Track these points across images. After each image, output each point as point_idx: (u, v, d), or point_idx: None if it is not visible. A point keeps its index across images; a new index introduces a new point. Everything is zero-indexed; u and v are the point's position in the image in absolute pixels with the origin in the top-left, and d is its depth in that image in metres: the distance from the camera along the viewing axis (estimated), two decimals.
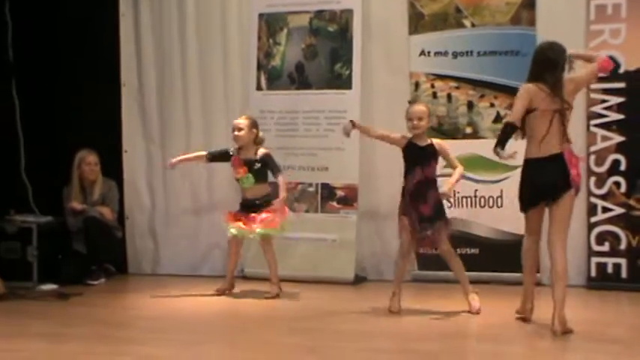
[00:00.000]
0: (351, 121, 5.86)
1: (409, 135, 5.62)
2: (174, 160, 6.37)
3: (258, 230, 6.06)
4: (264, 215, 6.08)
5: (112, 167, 7.32)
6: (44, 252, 6.93)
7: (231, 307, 5.98)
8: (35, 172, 7.57)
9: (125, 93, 7.44)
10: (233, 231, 6.12)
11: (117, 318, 5.74)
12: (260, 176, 6.20)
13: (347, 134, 5.83)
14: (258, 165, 6.17)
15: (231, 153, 6.27)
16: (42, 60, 7.49)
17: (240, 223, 6.11)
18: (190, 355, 4.65)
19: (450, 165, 5.71)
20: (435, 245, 5.64)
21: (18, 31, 7.60)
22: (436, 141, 5.68)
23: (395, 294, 5.57)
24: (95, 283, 6.87)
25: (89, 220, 6.91)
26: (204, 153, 6.43)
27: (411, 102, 5.76)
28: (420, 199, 5.51)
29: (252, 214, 6.11)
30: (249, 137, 6.19)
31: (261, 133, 6.31)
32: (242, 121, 6.23)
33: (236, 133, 6.19)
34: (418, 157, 5.57)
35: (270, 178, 6.25)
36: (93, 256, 6.97)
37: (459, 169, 5.60)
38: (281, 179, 6.11)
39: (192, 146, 7.20)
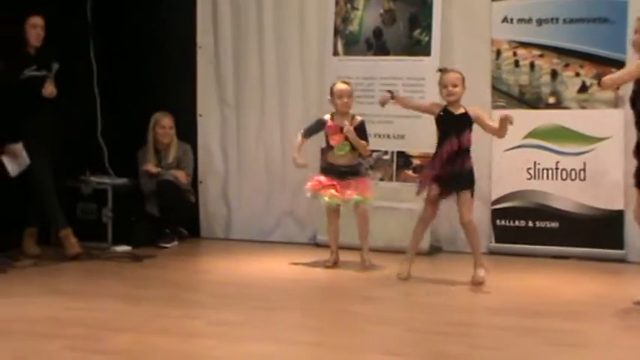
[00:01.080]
0: (389, 90, 5.86)
1: (443, 103, 5.58)
2: (298, 159, 6.10)
3: (355, 197, 5.96)
4: (356, 183, 6.00)
5: (187, 131, 7.37)
6: (119, 214, 7.04)
7: (304, 273, 6.00)
8: (111, 135, 7.67)
9: (201, 56, 7.46)
10: (326, 199, 6.00)
11: (189, 281, 5.82)
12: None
13: (383, 104, 5.82)
14: (354, 132, 6.05)
15: (325, 119, 6.17)
16: (119, 23, 7.55)
17: (333, 191, 6.00)
18: (261, 321, 4.67)
19: (489, 130, 5.63)
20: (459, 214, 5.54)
21: None
22: (471, 108, 5.59)
23: (406, 260, 5.61)
24: (168, 245, 6.95)
25: (163, 183, 6.99)
26: (300, 136, 6.15)
27: (442, 70, 5.70)
28: (454, 166, 5.49)
29: (344, 181, 6.02)
30: (351, 103, 6.10)
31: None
32: (349, 87, 6.11)
33: (345, 100, 6.06)
34: (452, 125, 5.53)
35: None
36: (166, 219, 7.05)
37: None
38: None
39: (267, 111, 7.22)
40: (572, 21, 6.50)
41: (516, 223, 6.59)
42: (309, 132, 6.19)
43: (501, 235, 6.63)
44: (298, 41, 7.23)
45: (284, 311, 4.95)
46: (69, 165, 7.05)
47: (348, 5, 7.07)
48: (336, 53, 7.07)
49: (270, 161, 7.33)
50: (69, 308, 4.85)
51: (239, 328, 4.49)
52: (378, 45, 6.95)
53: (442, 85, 5.57)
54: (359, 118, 6.13)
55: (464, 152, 5.53)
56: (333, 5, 7.09)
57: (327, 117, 6.18)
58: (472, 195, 5.55)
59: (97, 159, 7.61)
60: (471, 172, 5.55)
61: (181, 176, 7.12)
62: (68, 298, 5.14)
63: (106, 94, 7.70)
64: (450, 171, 5.51)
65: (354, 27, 7.04)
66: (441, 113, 5.59)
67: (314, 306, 5.10)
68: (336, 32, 7.08)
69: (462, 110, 5.55)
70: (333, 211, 6.13)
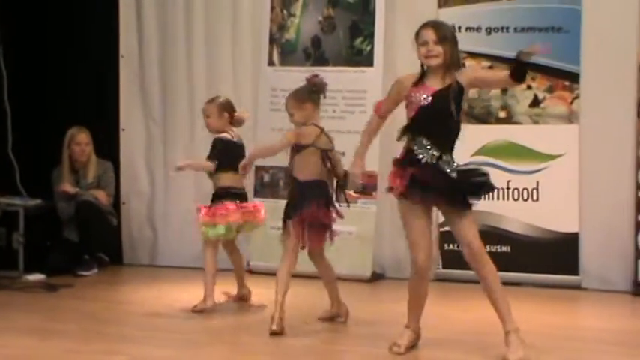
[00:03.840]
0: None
1: None
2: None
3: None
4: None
5: (109, 147, 7.31)
6: (31, 239, 6.90)
7: (233, 304, 5.93)
8: (23, 151, 7.54)
9: (124, 66, 7.43)
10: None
11: (110, 313, 5.72)
12: None
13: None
14: None
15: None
16: (32, 28, 7.46)
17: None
18: (189, 357, 4.59)
19: None
20: None
21: None
22: None
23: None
24: (87, 273, 6.87)
25: (82, 204, 6.91)
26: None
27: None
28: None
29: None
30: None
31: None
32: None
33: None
34: None
35: None
36: (85, 245, 6.97)
37: None
38: None
39: (196, 126, 7.14)
40: (523, 30, 6.55)
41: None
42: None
43: (449, 260, 6.61)
44: (230, 50, 7.25)
45: (212, 346, 4.87)
46: None
47: (285, 12, 7.10)
48: (271, 63, 7.09)
49: (200, 181, 7.22)
50: None
51: None
52: (316, 55, 6.97)
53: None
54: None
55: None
56: (268, 12, 7.11)
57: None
58: None
59: (8, 178, 7.45)
60: None
61: (102, 197, 7.06)
62: None
63: (17, 106, 7.58)
64: None
65: (290, 35, 7.07)
66: None
67: (244, 340, 5.04)
68: (272, 41, 7.10)
69: None
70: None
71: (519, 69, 4.41)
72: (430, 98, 4.41)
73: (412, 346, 4.55)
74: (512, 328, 4.40)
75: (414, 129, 4.46)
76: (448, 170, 4.42)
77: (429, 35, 4.44)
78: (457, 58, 4.51)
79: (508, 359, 4.33)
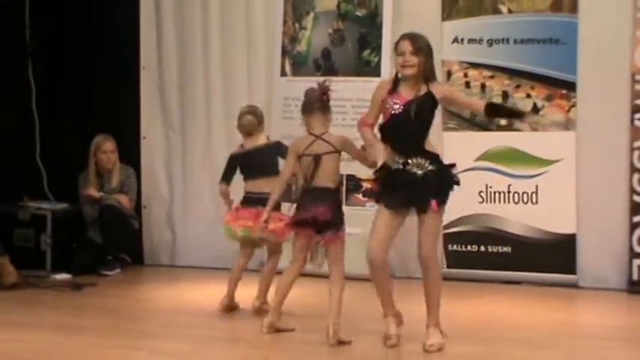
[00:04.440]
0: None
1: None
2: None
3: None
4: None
5: (130, 154, 7.36)
6: (58, 240, 6.98)
7: (249, 302, 5.99)
8: (50, 158, 7.62)
9: (144, 77, 7.46)
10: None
11: (131, 310, 5.78)
12: None
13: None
14: None
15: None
16: (59, 42, 7.55)
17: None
18: (206, 351, 4.67)
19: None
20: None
21: (35, 12, 7.63)
22: None
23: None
24: (110, 273, 6.92)
25: (105, 208, 6.97)
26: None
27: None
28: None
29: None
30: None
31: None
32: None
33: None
34: None
35: None
36: (108, 246, 7.02)
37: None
38: None
39: (213, 133, 7.23)
40: (522, 42, 6.58)
41: (468, 247, 6.67)
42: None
43: (453, 260, 6.69)
44: (245, 61, 7.26)
45: (231, 341, 4.96)
46: (5, 189, 6.99)
47: (296, 25, 7.11)
48: (283, 74, 7.10)
49: (217, 186, 7.30)
50: (3, 340, 4.79)
51: (183, 358, 4.48)
52: (326, 66, 6.99)
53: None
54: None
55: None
56: (280, 25, 7.12)
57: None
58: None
59: (36, 183, 7.55)
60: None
61: (125, 201, 7.12)
62: (3, 329, 5.08)
63: (45, 116, 7.66)
64: None
65: (302, 47, 7.09)
66: None
67: (261, 335, 5.05)
68: (284, 52, 7.11)
69: None
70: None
71: (496, 110, 4.52)
72: (401, 107, 4.50)
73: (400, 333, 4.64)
74: (434, 324, 4.64)
75: (384, 135, 4.56)
76: (420, 172, 4.49)
77: (406, 46, 4.53)
78: (431, 68, 4.58)
79: (426, 343, 4.57)
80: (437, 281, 4.65)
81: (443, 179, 4.58)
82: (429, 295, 4.64)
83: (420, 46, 4.54)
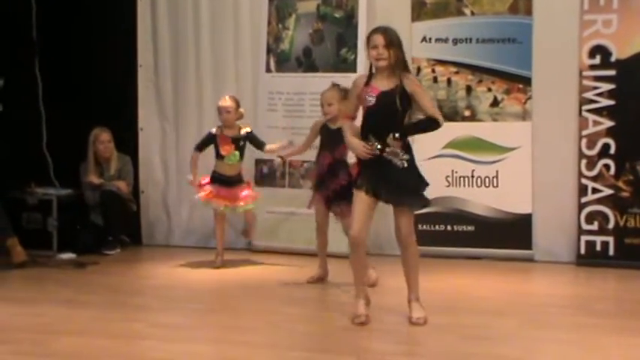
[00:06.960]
0: (280, 156, 6.22)
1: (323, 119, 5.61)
2: (191, 178, 6.40)
3: (247, 206, 6.31)
4: (245, 192, 6.33)
5: (129, 144, 7.35)
6: (63, 223, 6.97)
7: (237, 276, 6.01)
8: (56, 148, 7.59)
9: (141, 74, 7.44)
10: (221, 208, 6.28)
11: (131, 286, 5.79)
12: (243, 153, 6.39)
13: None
14: (243, 142, 6.35)
15: (214, 133, 6.36)
16: (64, 41, 7.50)
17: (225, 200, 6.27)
18: (198, 323, 4.70)
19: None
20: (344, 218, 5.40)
21: (42, 12, 7.60)
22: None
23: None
24: (111, 253, 6.92)
25: (106, 193, 6.96)
26: (194, 152, 6.43)
27: (329, 87, 5.64)
28: (333, 177, 5.49)
29: (232, 190, 6.29)
30: (235, 117, 6.34)
31: (241, 109, 6.41)
32: (230, 103, 6.32)
33: (225, 115, 6.30)
34: (330, 140, 5.53)
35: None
36: (109, 228, 7.01)
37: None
38: (268, 147, 6.26)
39: (204, 124, 7.22)
40: (484, 41, 6.61)
41: (436, 227, 6.70)
42: (201, 146, 6.41)
43: (422, 238, 6.67)
44: (233, 59, 7.25)
45: (219, 313, 4.97)
46: (15, 177, 6.96)
47: (280, 25, 7.10)
48: (268, 70, 7.10)
49: (208, 171, 7.31)
50: (14, 314, 4.81)
51: (178, 329, 4.50)
52: (307, 63, 6.99)
53: (320, 103, 5.61)
54: (245, 130, 6.35)
55: (340, 163, 5.51)
56: (265, 25, 7.11)
57: (214, 130, 6.38)
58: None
59: (43, 171, 7.52)
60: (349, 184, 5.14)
61: (123, 186, 7.10)
62: (14, 304, 5.08)
63: (51, 109, 7.62)
64: (333, 189, 5.50)
65: (285, 46, 7.08)
66: (322, 128, 5.66)
67: (246, 307, 5.12)
68: (269, 50, 7.10)
69: (338, 125, 5.34)
70: (220, 217, 6.39)
71: (410, 130, 4.46)
72: (374, 100, 4.41)
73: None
74: (415, 298, 4.59)
75: (364, 128, 4.48)
76: (398, 162, 4.40)
77: (379, 40, 4.40)
78: (402, 60, 4.46)
79: (412, 317, 4.53)
80: (416, 258, 4.59)
81: (417, 186, 4.51)
82: (409, 271, 4.59)
83: (392, 39, 4.42)
